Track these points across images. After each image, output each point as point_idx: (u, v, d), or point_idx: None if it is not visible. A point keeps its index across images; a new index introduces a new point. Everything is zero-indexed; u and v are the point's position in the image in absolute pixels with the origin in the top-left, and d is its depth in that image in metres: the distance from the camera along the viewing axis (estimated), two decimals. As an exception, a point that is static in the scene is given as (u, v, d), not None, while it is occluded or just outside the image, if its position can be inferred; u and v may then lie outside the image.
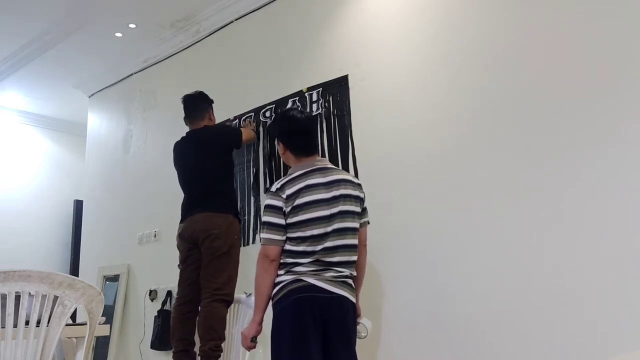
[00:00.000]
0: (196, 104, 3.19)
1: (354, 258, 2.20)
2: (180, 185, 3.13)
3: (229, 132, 3.30)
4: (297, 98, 3.34)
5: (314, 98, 3.24)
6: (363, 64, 3.05)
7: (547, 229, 2.26)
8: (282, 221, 2.15)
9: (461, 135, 2.59)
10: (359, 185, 2.30)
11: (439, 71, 2.73)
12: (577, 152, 2.23)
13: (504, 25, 2.54)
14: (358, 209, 2.25)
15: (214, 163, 2.99)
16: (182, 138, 3.19)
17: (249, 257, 3.02)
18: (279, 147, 2.40)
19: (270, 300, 2.17)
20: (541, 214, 2.28)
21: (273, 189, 2.21)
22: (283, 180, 2.22)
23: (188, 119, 3.19)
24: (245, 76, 3.60)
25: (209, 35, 4.09)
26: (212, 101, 3.26)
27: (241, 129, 3.37)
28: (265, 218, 2.18)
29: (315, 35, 3.35)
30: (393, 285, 2.70)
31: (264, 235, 2.17)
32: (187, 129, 3.21)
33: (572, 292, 2.15)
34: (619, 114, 2.15)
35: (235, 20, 3.89)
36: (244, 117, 3.60)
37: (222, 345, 2.72)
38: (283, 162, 3.29)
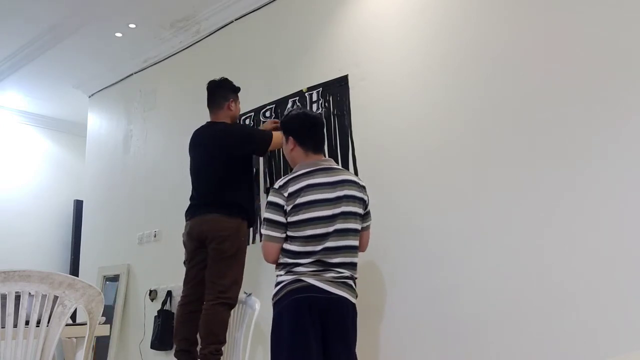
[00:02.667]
0: (214, 92, 3.07)
1: (355, 260, 2.20)
2: (191, 176, 3.03)
3: (244, 140, 2.98)
4: (297, 98, 3.34)
5: (314, 98, 3.24)
6: (363, 64, 3.05)
7: (549, 228, 2.25)
8: (282, 219, 2.15)
9: (461, 135, 2.59)
10: (364, 187, 2.30)
11: (439, 71, 2.73)
12: (579, 151, 2.22)
13: (503, 25, 2.54)
14: (361, 211, 2.24)
15: (222, 171, 2.87)
16: (201, 127, 3.08)
17: (249, 257, 3.01)
18: (286, 145, 2.37)
19: (271, 300, 2.18)
20: (541, 213, 2.28)
21: (276, 186, 2.22)
22: (287, 177, 2.22)
23: (208, 108, 3.09)
24: (245, 76, 3.60)
25: (209, 35, 4.09)
26: (236, 89, 3.11)
27: (271, 131, 3.04)
28: (265, 215, 2.20)
29: (315, 35, 3.35)
30: (393, 286, 2.70)
31: (263, 231, 2.20)
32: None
33: (577, 292, 2.14)
34: (620, 114, 2.14)
35: (235, 20, 3.89)
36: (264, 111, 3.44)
37: (223, 348, 2.71)
38: (283, 162, 3.31)
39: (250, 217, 2.96)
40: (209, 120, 3.10)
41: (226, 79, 3.12)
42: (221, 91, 3.06)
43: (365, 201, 2.28)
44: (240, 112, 3.35)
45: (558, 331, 2.15)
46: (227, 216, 2.80)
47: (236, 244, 2.79)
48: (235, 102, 3.09)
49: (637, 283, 2.00)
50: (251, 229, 3.28)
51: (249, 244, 3.29)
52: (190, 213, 2.94)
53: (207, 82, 3.13)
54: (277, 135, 2.87)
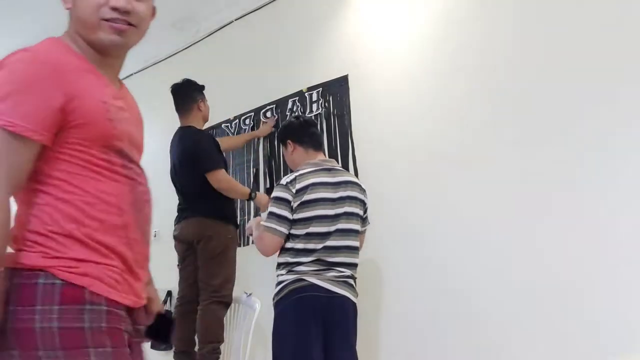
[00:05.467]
0: (181, 95, 3.02)
1: (356, 260, 2.21)
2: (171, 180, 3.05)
3: (201, 159, 2.86)
4: (297, 98, 3.33)
5: (314, 98, 3.24)
6: (363, 64, 3.05)
7: (552, 228, 2.25)
8: (288, 214, 2.15)
9: (462, 135, 2.59)
10: (365, 190, 2.33)
11: (438, 70, 2.73)
12: (580, 150, 2.23)
13: (503, 25, 2.53)
14: (362, 213, 2.27)
15: (193, 180, 2.85)
16: (175, 133, 3.06)
17: (248, 258, 3.01)
18: (286, 149, 2.40)
19: (272, 300, 2.18)
20: (544, 212, 2.28)
21: (283, 182, 2.21)
22: (294, 174, 2.22)
23: (177, 112, 3.05)
24: (245, 76, 3.60)
25: (208, 35, 4.08)
26: (200, 87, 3.04)
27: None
28: (271, 209, 2.19)
29: (315, 35, 3.35)
30: (393, 285, 2.70)
31: (266, 223, 2.18)
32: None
33: (579, 292, 2.14)
34: (620, 111, 2.14)
35: (235, 20, 3.88)
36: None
37: (221, 347, 2.72)
38: (284, 162, 3.30)
39: (234, 221, 2.95)
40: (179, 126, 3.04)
41: (189, 79, 3.05)
42: (191, 93, 3.01)
43: (365, 204, 2.30)
44: (240, 112, 3.34)
45: (559, 331, 2.14)
46: (210, 218, 2.81)
47: (223, 242, 2.80)
48: (203, 101, 3.03)
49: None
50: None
51: (241, 246, 3.28)
52: (177, 217, 2.97)
53: (171, 86, 3.10)
54: (227, 181, 2.84)
